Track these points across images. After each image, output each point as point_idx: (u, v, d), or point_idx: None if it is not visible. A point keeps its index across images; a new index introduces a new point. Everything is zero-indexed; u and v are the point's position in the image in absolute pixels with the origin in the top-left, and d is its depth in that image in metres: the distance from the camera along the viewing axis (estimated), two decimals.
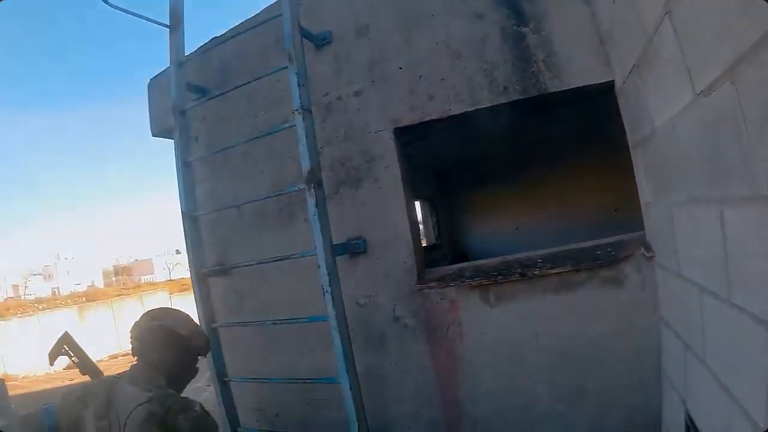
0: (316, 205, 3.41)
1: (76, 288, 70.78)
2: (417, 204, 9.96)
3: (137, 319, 2.75)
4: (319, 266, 3.40)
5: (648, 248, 3.32)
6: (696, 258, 2.34)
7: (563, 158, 7.24)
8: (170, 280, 58.02)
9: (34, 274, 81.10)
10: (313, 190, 3.42)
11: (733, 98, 1.57)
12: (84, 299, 41.58)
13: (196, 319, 2.89)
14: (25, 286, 74.79)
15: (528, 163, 7.80)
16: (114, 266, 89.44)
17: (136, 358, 2.65)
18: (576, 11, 3.54)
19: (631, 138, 3.30)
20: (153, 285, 53.84)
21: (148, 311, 2.80)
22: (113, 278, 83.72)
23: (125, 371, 2.63)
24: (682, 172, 2.32)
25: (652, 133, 2.68)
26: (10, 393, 8.76)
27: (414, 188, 7.24)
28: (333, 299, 3.36)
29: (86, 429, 2.46)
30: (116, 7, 4.40)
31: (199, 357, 2.72)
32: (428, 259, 5.11)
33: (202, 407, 2.49)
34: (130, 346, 2.71)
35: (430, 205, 10.00)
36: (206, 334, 2.90)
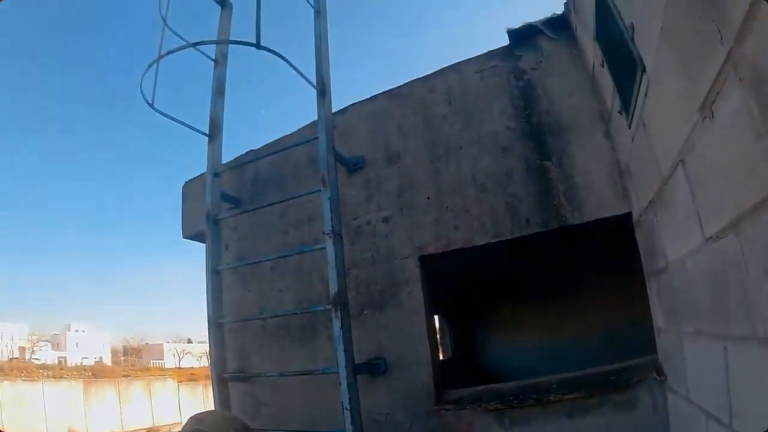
0: (341, 327, 3.61)
1: (84, 361, 70.44)
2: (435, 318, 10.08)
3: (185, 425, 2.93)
4: (341, 384, 3.55)
5: (660, 372, 3.42)
6: (703, 385, 2.46)
7: (583, 278, 7.34)
8: (179, 368, 58.03)
9: (43, 340, 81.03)
10: (339, 311, 3.63)
11: (737, 249, 1.71)
12: (90, 374, 41.46)
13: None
14: (32, 351, 74.57)
15: (547, 282, 7.91)
16: (124, 346, 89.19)
17: None
18: (597, 144, 3.77)
19: (646, 267, 3.45)
20: (162, 371, 53.80)
21: (194, 416, 3.02)
22: (122, 357, 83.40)
23: None
24: (692, 306, 2.46)
25: (666, 266, 2.83)
26: None
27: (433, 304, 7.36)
28: (352, 416, 3.51)
29: None
30: (160, 112, 4.72)
31: None
32: (443, 373, 5.18)
33: None
34: None
35: (447, 319, 10.08)
36: None
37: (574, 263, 6.80)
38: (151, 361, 76.08)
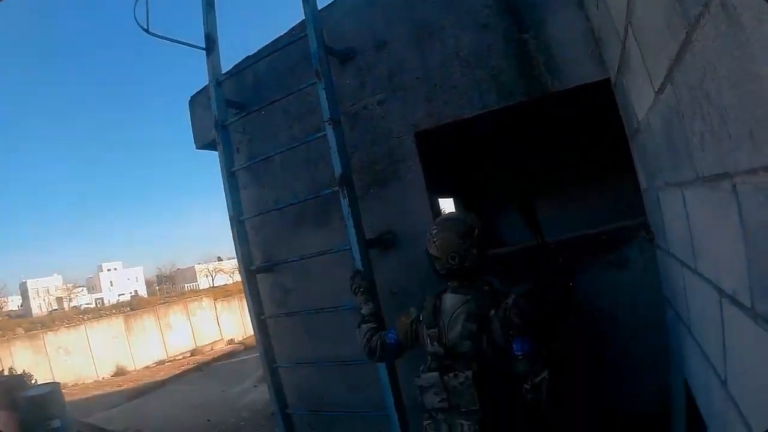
0: (349, 205, 4.13)
1: (120, 298, 73.05)
2: (451, 201, 10.58)
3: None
4: (354, 259, 4.09)
5: (648, 231, 3.79)
6: (676, 237, 2.73)
7: (585, 148, 7.72)
8: (213, 287, 59.48)
9: (79, 286, 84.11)
10: (345, 191, 4.14)
11: (674, 97, 1.90)
12: (129, 309, 43.27)
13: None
14: (70, 299, 77.58)
15: (551, 159, 8.31)
16: (157, 275, 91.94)
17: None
18: (571, 16, 4.06)
19: (627, 130, 3.76)
20: (196, 293, 55.31)
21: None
22: (156, 287, 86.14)
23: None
24: (658, 160, 2.74)
25: (638, 126, 3.11)
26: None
27: (443, 185, 7.87)
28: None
29: (422, 338, 3.37)
30: (156, 35, 5.17)
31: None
32: None
33: (515, 299, 3.12)
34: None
35: (462, 201, 10.57)
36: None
37: (570, 139, 7.14)
38: (185, 285, 78.40)
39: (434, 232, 3.40)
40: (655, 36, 1.97)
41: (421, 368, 3.25)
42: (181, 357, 34.21)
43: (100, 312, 46.69)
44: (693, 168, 1.87)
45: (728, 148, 1.41)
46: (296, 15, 4.50)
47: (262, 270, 5.15)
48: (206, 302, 40.65)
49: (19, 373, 16.10)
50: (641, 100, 2.69)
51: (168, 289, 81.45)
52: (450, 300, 3.28)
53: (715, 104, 1.44)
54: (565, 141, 7.77)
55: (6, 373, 13.72)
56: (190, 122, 6.01)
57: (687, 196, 2.15)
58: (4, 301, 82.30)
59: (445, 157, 6.96)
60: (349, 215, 4.11)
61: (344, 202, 4.13)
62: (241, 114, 5.09)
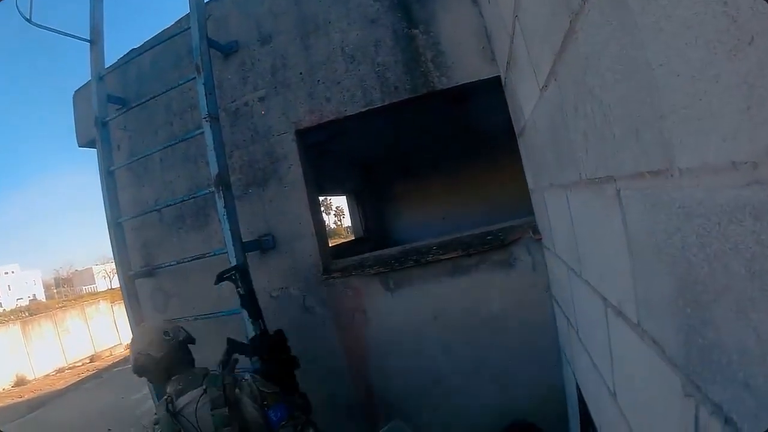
0: (225, 207, 4.00)
1: (19, 303, 70.08)
2: (344, 198, 10.62)
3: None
4: (230, 262, 3.98)
5: (535, 231, 3.87)
6: (561, 238, 2.74)
7: (482, 148, 7.84)
8: (111, 288, 57.69)
9: None
10: (221, 192, 4.00)
11: (558, 93, 1.84)
12: (27, 314, 41.52)
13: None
14: None
15: (450, 155, 8.41)
16: (54, 278, 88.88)
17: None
18: (465, 11, 4.09)
19: (515, 128, 3.79)
20: (94, 295, 53.48)
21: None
22: (54, 290, 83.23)
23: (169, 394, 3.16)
24: (544, 160, 2.70)
25: (525, 124, 3.13)
26: None
27: (338, 182, 7.84)
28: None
29: None
30: (39, 26, 4.92)
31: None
32: (355, 252, 5.65)
33: (252, 375, 3.24)
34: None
35: (356, 199, 10.61)
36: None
37: (473, 137, 7.24)
38: (83, 288, 75.96)
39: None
40: (540, 27, 1.92)
41: None
42: (80, 364, 32.99)
43: None
44: (577, 169, 1.83)
45: (612, 149, 1.34)
46: (184, 6, 4.37)
47: (141, 275, 4.96)
48: (104, 305, 39.29)
49: None
50: (527, 97, 2.69)
51: (66, 292, 78.79)
52: (184, 398, 3.12)
53: (598, 100, 1.36)
54: (465, 137, 7.85)
55: None
56: (73, 118, 5.78)
57: (571, 199, 2.13)
58: None
59: (346, 147, 6.93)
60: (225, 217, 3.98)
61: (220, 204, 3.99)
62: (123, 110, 4.89)
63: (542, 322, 3.92)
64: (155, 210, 4.88)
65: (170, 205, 4.74)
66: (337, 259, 4.78)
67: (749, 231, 0.72)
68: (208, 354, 4.78)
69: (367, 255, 4.66)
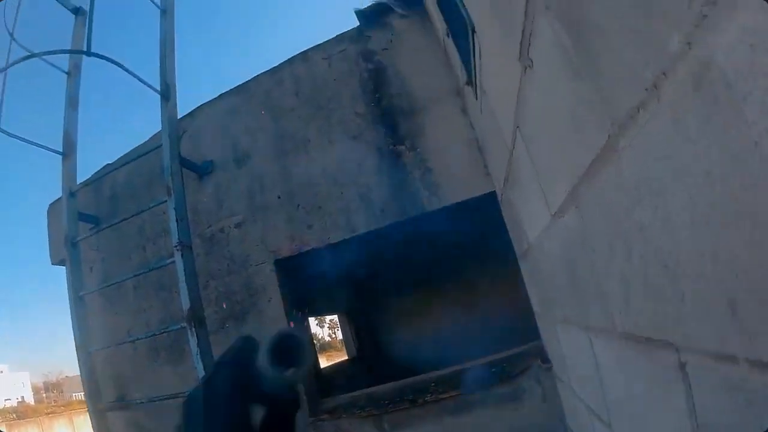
0: (198, 344, 3.71)
1: (6, 403, 69.42)
2: (336, 317, 10.37)
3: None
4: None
5: (545, 359, 3.57)
6: (581, 378, 2.46)
7: (479, 263, 7.60)
8: None
9: None
10: (194, 328, 3.72)
11: (580, 224, 1.58)
12: (14, 416, 40.95)
13: None
14: None
15: (444, 270, 8.19)
16: (44, 382, 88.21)
17: None
18: (453, 122, 3.92)
19: (516, 248, 3.55)
20: (84, 403, 53.01)
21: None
22: (44, 394, 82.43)
23: None
24: (556, 291, 2.46)
25: (529, 247, 2.87)
26: None
27: (327, 301, 7.57)
28: None
29: None
30: (9, 134, 4.74)
31: None
32: (349, 373, 5.33)
33: None
34: None
35: (348, 317, 10.35)
36: None
37: (468, 252, 7.00)
38: (73, 395, 75.01)
39: None
40: (555, 142, 1.66)
41: None
42: None
43: None
44: (608, 316, 1.53)
45: (676, 312, 0.99)
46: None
47: (112, 408, 4.63)
48: None
49: None
50: (533, 219, 2.46)
51: (56, 397, 77.90)
52: None
53: (655, 245, 1.02)
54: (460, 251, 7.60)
55: None
56: (47, 233, 5.59)
57: (596, 345, 1.86)
58: None
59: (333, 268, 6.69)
60: (198, 357, 3.70)
61: (193, 342, 3.72)
62: (95, 230, 4.68)
63: None
64: (127, 341, 4.58)
65: (142, 338, 4.47)
66: (325, 397, 4.46)
67: None
68: None
69: (358, 393, 4.34)
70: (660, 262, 1.01)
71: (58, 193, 5.23)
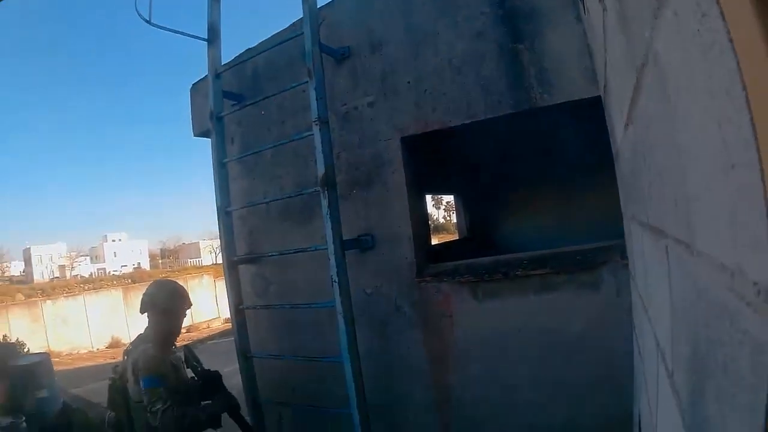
0: (329, 206, 4.37)
1: (123, 270, 74.15)
2: (452, 197, 10.88)
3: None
4: (329, 259, 4.37)
5: (623, 256, 3.87)
6: (637, 269, 2.74)
7: (580, 165, 7.85)
8: (216, 264, 60.15)
9: (82, 255, 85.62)
10: (326, 192, 4.37)
11: (633, 137, 1.85)
12: (130, 281, 44.14)
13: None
14: (72, 267, 78.93)
15: (556, 167, 8.49)
16: (161, 249, 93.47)
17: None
18: (568, 29, 4.19)
19: (612, 150, 3.70)
20: (198, 269, 55.95)
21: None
22: (159, 261, 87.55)
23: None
24: (629, 191, 2.72)
25: (617, 151, 3.13)
26: (56, 369, 9.99)
27: (445, 182, 8.12)
28: (340, 288, 4.32)
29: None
30: (158, 26, 5.46)
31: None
32: (456, 249, 5.88)
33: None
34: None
35: (462, 199, 10.87)
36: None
37: (579, 148, 7.30)
38: (189, 261, 79.28)
39: None
40: (619, 70, 1.94)
41: None
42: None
43: (101, 282, 47.44)
44: (645, 213, 1.86)
45: (663, 208, 1.37)
46: (298, 10, 4.70)
47: (244, 261, 5.47)
48: (206, 279, 41.39)
49: (12, 341, 16.57)
50: (617, 125, 2.70)
51: (171, 263, 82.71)
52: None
53: (654, 159, 1.39)
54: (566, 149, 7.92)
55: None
56: (190, 109, 6.39)
57: (643, 237, 2.13)
58: (7, 267, 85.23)
59: (454, 150, 7.19)
60: (328, 216, 4.35)
61: (324, 203, 4.36)
62: (237, 106, 5.37)
63: (620, 348, 3.90)
64: (263, 203, 5.36)
65: (277, 200, 5.22)
66: (432, 263, 5.04)
67: (726, 331, 0.78)
68: (300, 339, 5.27)
69: (460, 263, 4.88)
70: (657, 173, 1.40)
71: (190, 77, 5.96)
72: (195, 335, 32.03)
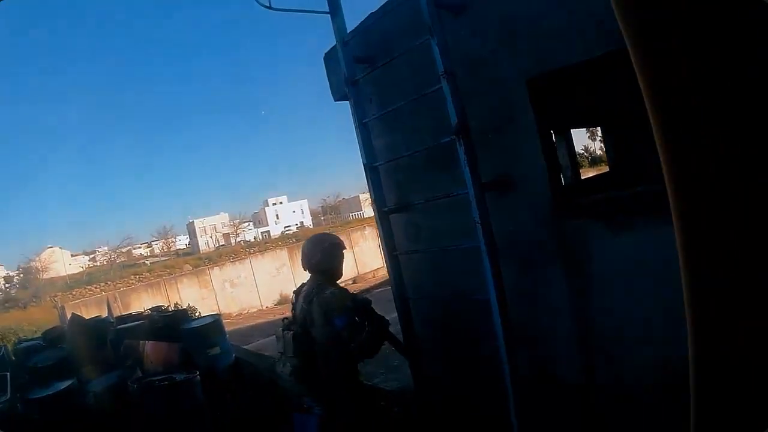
0: (465, 153, 4.77)
1: (286, 231, 77.73)
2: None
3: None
4: (470, 202, 4.77)
5: None
6: None
7: None
8: None
9: (245, 222, 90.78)
10: (461, 139, 4.77)
11: None
12: (294, 240, 46.60)
13: None
14: (236, 234, 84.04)
15: None
16: (322, 206, 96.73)
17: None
18: None
19: None
20: (360, 221, 57.74)
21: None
22: (321, 218, 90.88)
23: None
24: None
25: None
26: (228, 329, 10.93)
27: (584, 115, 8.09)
28: (483, 229, 4.73)
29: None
30: (279, 9, 5.98)
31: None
32: (602, 185, 5.96)
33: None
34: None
35: (608, 133, 10.72)
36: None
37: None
38: (350, 215, 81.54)
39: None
40: None
41: None
42: (341, 284, 36.75)
43: (266, 245, 50.44)
44: None
45: None
46: None
47: (394, 211, 6.03)
48: (369, 231, 42.95)
49: (183, 308, 18.30)
50: None
51: (333, 219, 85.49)
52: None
53: None
54: None
55: (171, 308, 15.68)
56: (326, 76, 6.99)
57: None
58: (173, 241, 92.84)
59: (585, 85, 7.28)
60: (465, 162, 4.74)
61: (461, 150, 4.75)
62: (368, 70, 5.84)
63: None
64: (405, 156, 5.80)
65: (418, 152, 5.63)
66: (571, 198, 5.27)
67: None
68: (450, 279, 5.72)
69: (598, 196, 5.08)
70: None
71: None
72: (361, 285, 33.34)
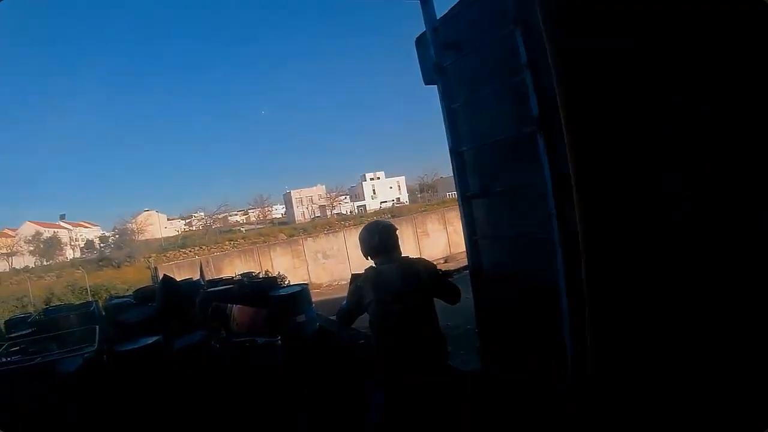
0: (544, 143, 4.92)
1: (382, 206, 78.54)
2: None
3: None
4: (546, 193, 4.93)
5: None
6: None
7: None
8: None
9: (342, 195, 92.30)
10: (541, 131, 4.93)
11: None
12: (389, 215, 47.13)
13: None
14: (332, 207, 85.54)
15: None
16: (419, 184, 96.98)
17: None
18: None
19: None
20: (455, 201, 57.65)
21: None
22: (418, 195, 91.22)
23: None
24: None
25: None
26: (316, 299, 11.23)
27: None
28: (557, 220, 4.86)
29: None
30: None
31: None
32: None
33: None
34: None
35: None
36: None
37: None
38: (447, 194, 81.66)
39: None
40: None
41: None
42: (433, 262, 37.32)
43: (361, 219, 51.27)
44: None
45: None
46: None
47: (475, 197, 6.23)
48: None
49: (274, 275, 18.76)
50: None
51: (429, 197, 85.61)
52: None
53: None
54: None
55: (262, 275, 16.21)
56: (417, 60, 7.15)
57: None
58: (269, 210, 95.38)
59: None
60: (544, 153, 4.89)
61: (540, 141, 4.91)
62: (456, 56, 6.02)
63: None
64: (488, 143, 5.96)
65: (501, 139, 5.77)
66: None
67: None
68: (525, 265, 5.89)
69: None
70: None
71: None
72: (452, 265, 33.57)
